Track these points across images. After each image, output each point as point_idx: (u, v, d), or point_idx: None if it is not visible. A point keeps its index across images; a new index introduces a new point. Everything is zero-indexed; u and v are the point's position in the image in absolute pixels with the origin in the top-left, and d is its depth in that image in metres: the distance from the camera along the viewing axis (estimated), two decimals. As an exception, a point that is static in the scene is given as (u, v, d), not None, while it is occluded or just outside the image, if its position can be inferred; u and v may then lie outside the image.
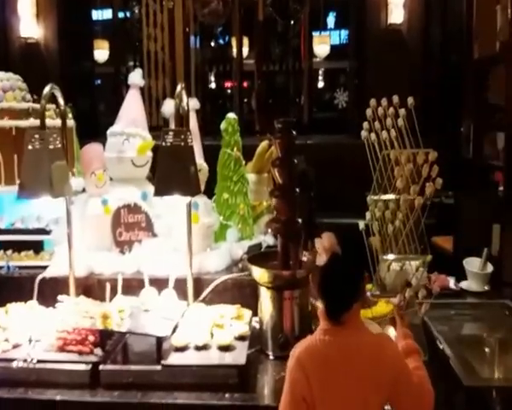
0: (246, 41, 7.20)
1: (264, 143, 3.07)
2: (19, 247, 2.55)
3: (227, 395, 1.73)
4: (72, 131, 2.97)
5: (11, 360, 1.82)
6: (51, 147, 1.93)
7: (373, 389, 1.39)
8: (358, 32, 6.34)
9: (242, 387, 1.76)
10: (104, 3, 7.49)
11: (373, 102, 1.96)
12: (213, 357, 1.82)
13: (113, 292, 2.17)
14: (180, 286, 2.20)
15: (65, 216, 2.51)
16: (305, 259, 2.08)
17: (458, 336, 2.04)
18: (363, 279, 1.52)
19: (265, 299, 1.98)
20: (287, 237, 1.96)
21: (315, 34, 7.00)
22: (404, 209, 1.86)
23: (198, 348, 1.86)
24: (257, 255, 2.13)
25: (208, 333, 1.90)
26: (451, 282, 2.58)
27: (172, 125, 2.56)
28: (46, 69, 6.50)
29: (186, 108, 2.12)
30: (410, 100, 1.93)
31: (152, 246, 2.41)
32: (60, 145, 1.98)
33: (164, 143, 1.85)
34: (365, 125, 2.02)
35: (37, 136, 1.92)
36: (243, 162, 2.79)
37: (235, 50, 6.95)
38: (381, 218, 1.95)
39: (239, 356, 1.81)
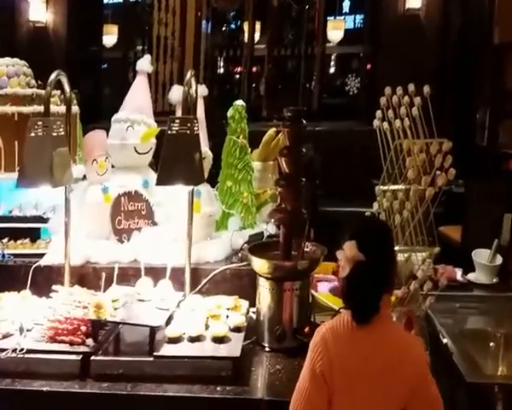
0: (258, 26, 7.11)
1: (271, 131, 2.99)
2: (16, 235, 2.52)
3: (219, 388, 1.68)
4: (76, 117, 2.92)
5: (0, 350, 1.79)
6: (54, 134, 1.88)
7: (395, 384, 1.35)
8: (374, 17, 6.20)
9: (236, 380, 1.71)
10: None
11: (388, 90, 1.89)
12: (207, 349, 1.77)
13: (110, 281, 2.13)
14: (178, 276, 2.15)
15: (63, 204, 2.49)
16: (307, 249, 2.02)
17: (463, 330, 1.97)
18: (391, 273, 1.44)
19: (264, 290, 1.92)
20: (291, 228, 1.89)
21: (329, 19, 6.89)
22: (414, 200, 1.79)
23: (192, 340, 1.81)
24: (257, 245, 2.08)
25: (203, 324, 1.85)
26: (459, 274, 2.50)
27: (179, 112, 2.52)
28: (52, 54, 6.50)
29: (194, 95, 2.05)
30: (427, 89, 1.86)
31: (150, 235, 2.36)
32: (63, 133, 1.93)
33: (170, 131, 1.79)
34: (378, 113, 1.95)
35: (40, 123, 1.87)
36: (249, 150, 2.72)
37: (246, 35, 6.85)
38: (388, 208, 1.88)
39: (233, 348, 1.76)
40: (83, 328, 1.84)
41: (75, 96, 3.00)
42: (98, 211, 2.40)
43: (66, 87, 2.27)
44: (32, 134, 1.89)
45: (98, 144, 2.43)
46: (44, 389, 1.71)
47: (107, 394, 1.68)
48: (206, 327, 1.85)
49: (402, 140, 1.79)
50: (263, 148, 3.00)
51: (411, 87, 1.83)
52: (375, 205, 1.99)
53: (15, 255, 2.45)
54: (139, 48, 7.62)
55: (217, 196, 2.63)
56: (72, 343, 1.81)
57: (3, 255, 2.44)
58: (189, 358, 1.73)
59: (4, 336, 1.86)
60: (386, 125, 1.88)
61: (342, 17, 7.60)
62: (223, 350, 1.76)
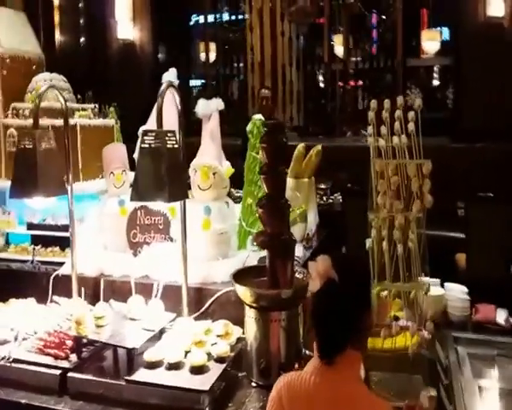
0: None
1: (300, 147, 2.82)
2: (48, 242, 2.59)
3: (185, 424, 1.55)
4: (113, 130, 2.97)
5: (-8, 356, 1.81)
6: (43, 147, 1.89)
7: None
8: (457, 27, 5.74)
9: (206, 415, 1.57)
10: (198, 8, 7.63)
11: (373, 103, 1.66)
12: (181, 378, 1.65)
13: (123, 295, 2.10)
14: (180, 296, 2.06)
15: (88, 215, 2.53)
16: (299, 276, 1.83)
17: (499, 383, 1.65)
18: (363, 317, 1.25)
19: (250, 319, 1.76)
20: (273, 252, 1.72)
21: (425, 30, 6.56)
22: (399, 229, 1.55)
23: (170, 367, 1.70)
24: (247, 270, 1.91)
25: (183, 351, 1.73)
26: (502, 315, 2.14)
27: (206, 125, 2.45)
28: (141, 68, 6.82)
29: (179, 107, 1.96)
30: (418, 101, 1.61)
31: (160, 250, 2.29)
32: (50, 146, 1.92)
33: (142, 145, 1.71)
34: (369, 129, 1.72)
35: (27, 136, 1.88)
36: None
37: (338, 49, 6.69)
38: (375, 238, 1.65)
39: (206, 380, 1.62)
40: (68, 342, 1.81)
41: (114, 110, 3.05)
42: (114, 223, 2.39)
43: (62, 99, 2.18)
44: (21, 146, 1.90)
45: (116, 157, 2.43)
46: (23, 401, 1.70)
47: (73, 414, 1.63)
48: (187, 354, 1.73)
49: (376, 160, 1.55)
50: (294, 164, 2.83)
51: (400, 100, 1.59)
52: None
53: (43, 262, 2.52)
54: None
55: (234, 214, 2.51)
56: (56, 357, 1.79)
57: (32, 261, 2.52)
58: (157, 386, 1.62)
59: (1, 343, 1.89)
60: (382, 141, 1.64)
61: (438, 29, 7.14)
62: (196, 381, 1.63)
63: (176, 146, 1.77)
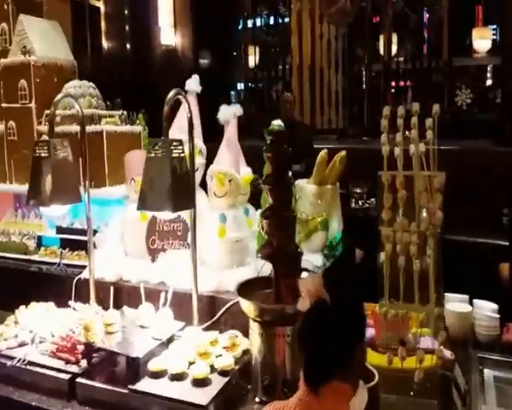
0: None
1: (322, 153, 2.75)
2: (75, 246, 2.66)
3: (181, 438, 1.54)
4: (140, 136, 3.00)
5: (10, 358, 1.88)
6: (58, 156, 1.93)
7: None
8: (502, 26, 5.46)
9: (204, 430, 1.55)
10: (239, 13, 7.64)
11: (386, 110, 1.58)
12: (182, 390, 1.64)
13: (140, 301, 2.12)
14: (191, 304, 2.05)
15: (112, 220, 2.57)
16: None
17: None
18: (355, 348, 1.17)
19: (254, 333, 1.72)
20: (278, 264, 1.67)
21: (477, 28, 6.28)
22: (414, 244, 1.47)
23: (173, 378, 1.69)
24: (257, 281, 1.87)
25: (186, 362, 1.72)
26: (533, 336, 2.00)
27: (226, 131, 2.45)
28: (182, 74, 6.91)
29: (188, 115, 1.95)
30: (436, 108, 1.51)
31: (176, 257, 2.30)
32: (65, 154, 1.96)
33: (148, 155, 1.72)
34: (383, 137, 1.64)
35: (44, 144, 1.93)
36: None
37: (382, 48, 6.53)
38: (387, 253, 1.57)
39: (205, 394, 1.60)
40: (79, 347, 1.85)
41: (142, 117, 3.10)
42: (134, 229, 2.42)
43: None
44: (36, 155, 1.94)
45: (137, 164, 2.44)
46: (33, 403, 1.75)
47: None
48: (190, 365, 1.72)
49: (383, 172, 1.47)
50: (317, 170, 2.76)
51: (415, 106, 1.51)
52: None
53: (69, 265, 2.59)
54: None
55: (251, 221, 2.49)
56: (67, 362, 1.82)
57: (59, 264, 2.60)
58: (157, 397, 1.62)
59: (19, 345, 1.95)
60: (397, 151, 1.56)
61: (490, 26, 6.81)
62: (196, 395, 1.61)
63: (182, 155, 1.76)
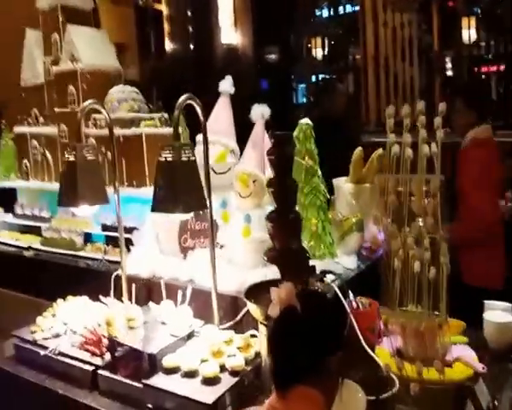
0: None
1: (358, 150, 2.68)
2: (118, 243, 2.79)
3: (188, 433, 1.58)
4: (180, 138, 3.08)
5: (44, 348, 2.02)
6: (84, 159, 2.03)
7: None
8: None
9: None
10: (301, 5, 7.59)
11: (390, 109, 1.51)
12: (191, 387, 1.68)
13: (169, 297, 2.20)
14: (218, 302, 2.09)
15: (149, 218, 2.67)
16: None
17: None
18: (325, 355, 1.16)
19: (262, 336, 1.72)
20: (283, 267, 1.66)
21: None
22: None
23: (185, 375, 1.74)
24: (268, 283, 1.86)
25: (199, 360, 1.76)
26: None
27: (253, 131, 2.46)
28: (244, 71, 7.00)
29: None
30: (443, 106, 1.44)
31: (203, 255, 2.34)
32: (92, 158, 2.06)
33: (159, 159, 1.77)
34: (391, 138, 1.57)
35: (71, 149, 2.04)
36: (319, 172, 2.48)
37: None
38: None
39: (213, 393, 1.63)
40: (105, 341, 1.95)
41: (183, 118, 3.17)
42: (168, 228, 2.49)
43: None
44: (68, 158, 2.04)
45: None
46: (60, 391, 1.87)
47: (95, 408, 1.75)
48: (202, 363, 1.76)
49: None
50: (353, 168, 2.70)
51: (420, 105, 1.43)
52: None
53: (112, 262, 2.73)
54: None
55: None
56: (93, 354, 1.93)
57: (102, 260, 2.74)
58: (166, 392, 1.67)
59: (54, 336, 2.09)
60: (409, 152, 1.49)
61: None
62: (203, 393, 1.64)
63: (192, 158, 1.80)
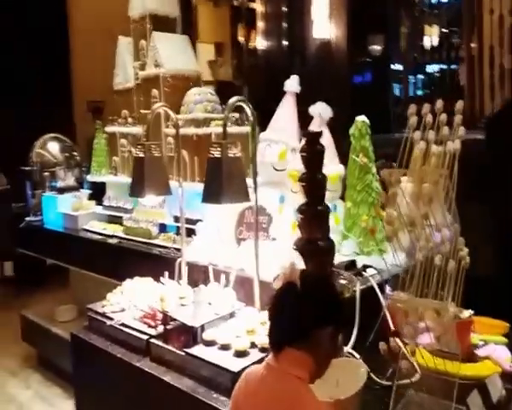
0: None
1: (418, 147, 2.82)
2: (187, 233, 3.22)
3: (214, 395, 1.92)
4: (247, 136, 3.44)
5: (111, 319, 2.49)
6: (151, 156, 2.46)
7: None
8: None
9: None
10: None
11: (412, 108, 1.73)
12: (223, 357, 2.02)
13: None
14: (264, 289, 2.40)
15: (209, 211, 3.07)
16: (343, 282, 1.99)
17: None
18: (313, 325, 1.42)
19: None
20: (308, 257, 1.93)
21: None
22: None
23: (221, 347, 2.09)
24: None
25: (234, 336, 2.09)
26: None
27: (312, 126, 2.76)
28: (335, 66, 7.21)
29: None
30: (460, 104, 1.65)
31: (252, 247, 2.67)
32: (158, 155, 2.48)
33: (209, 155, 2.13)
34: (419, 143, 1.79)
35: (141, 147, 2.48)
36: (373, 170, 2.68)
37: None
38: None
39: (239, 363, 1.95)
40: (159, 315, 2.36)
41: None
42: (227, 221, 2.86)
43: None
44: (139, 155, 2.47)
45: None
46: (119, 355, 2.32)
47: (147, 371, 2.17)
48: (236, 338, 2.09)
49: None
50: (412, 167, 2.84)
51: (439, 103, 1.63)
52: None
53: (178, 249, 3.16)
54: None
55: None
56: (149, 326, 2.36)
57: (171, 248, 3.19)
58: (202, 361, 2.03)
59: (120, 310, 2.56)
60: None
61: None
62: (234, 363, 1.97)
63: (237, 155, 2.13)
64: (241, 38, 7.70)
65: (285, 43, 7.42)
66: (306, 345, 1.40)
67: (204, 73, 7.85)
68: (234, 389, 1.54)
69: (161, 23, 3.78)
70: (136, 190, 2.50)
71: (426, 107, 1.76)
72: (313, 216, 1.93)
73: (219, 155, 2.12)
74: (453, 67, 7.87)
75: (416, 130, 1.82)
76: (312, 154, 1.93)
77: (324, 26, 7.14)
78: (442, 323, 1.78)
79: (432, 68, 7.98)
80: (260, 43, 7.42)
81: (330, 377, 1.60)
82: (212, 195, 2.12)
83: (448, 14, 7.54)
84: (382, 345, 1.71)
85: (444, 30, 7.97)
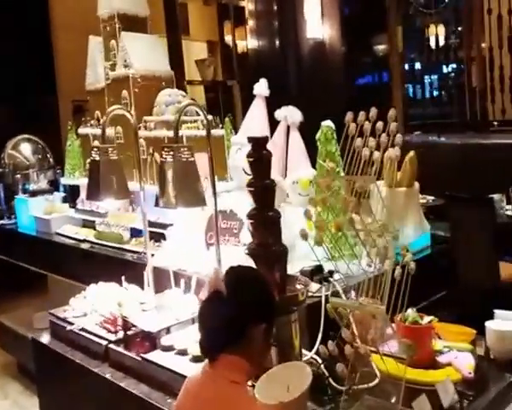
0: None
1: (391, 152, 2.90)
2: (158, 237, 3.30)
3: (168, 400, 1.99)
4: (222, 140, 3.53)
5: (72, 324, 2.56)
6: (106, 159, 2.52)
7: None
8: None
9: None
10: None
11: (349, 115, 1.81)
12: (179, 363, 2.09)
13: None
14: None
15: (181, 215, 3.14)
16: (299, 286, 2.06)
17: None
18: (248, 327, 1.51)
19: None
20: (260, 262, 2.00)
21: None
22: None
23: (178, 352, 2.16)
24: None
25: (192, 341, 2.16)
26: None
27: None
28: (330, 67, 7.32)
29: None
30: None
31: (224, 252, 2.73)
32: (114, 157, 2.55)
33: (161, 159, 2.21)
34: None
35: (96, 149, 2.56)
36: (340, 174, 2.76)
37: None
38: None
39: (195, 369, 2.01)
40: (119, 321, 2.43)
41: (229, 121, 3.62)
42: (196, 225, 2.94)
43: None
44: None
45: (201, 166, 2.96)
46: (77, 361, 2.39)
47: (102, 376, 2.24)
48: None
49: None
50: (388, 172, 2.92)
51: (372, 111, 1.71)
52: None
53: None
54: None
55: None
56: (109, 331, 2.43)
57: (142, 253, 3.27)
58: (158, 366, 2.10)
59: (82, 315, 2.63)
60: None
61: None
62: (189, 368, 2.03)
63: (191, 159, 2.21)
64: (230, 37, 7.81)
65: (277, 42, 7.53)
66: (240, 346, 1.49)
67: (191, 72, 8.02)
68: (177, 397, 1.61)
69: (131, 22, 3.85)
70: (92, 194, 2.58)
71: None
72: (263, 221, 2.01)
73: (171, 160, 2.19)
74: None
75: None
76: (259, 159, 2.01)
77: (317, 25, 7.25)
78: (379, 326, 1.85)
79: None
80: (251, 42, 7.52)
81: (281, 383, 1.67)
82: (165, 199, 2.20)
83: (448, 15, 7.67)
84: (330, 345, 1.78)
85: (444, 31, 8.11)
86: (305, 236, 1.79)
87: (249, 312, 1.50)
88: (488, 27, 6.52)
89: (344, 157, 1.84)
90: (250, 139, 2.01)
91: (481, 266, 3.88)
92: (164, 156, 2.19)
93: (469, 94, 7.15)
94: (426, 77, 9.04)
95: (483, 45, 6.92)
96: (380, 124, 1.76)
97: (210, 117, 3.56)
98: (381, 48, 8.24)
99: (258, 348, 1.52)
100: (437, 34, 7.96)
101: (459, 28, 8.18)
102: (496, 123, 6.54)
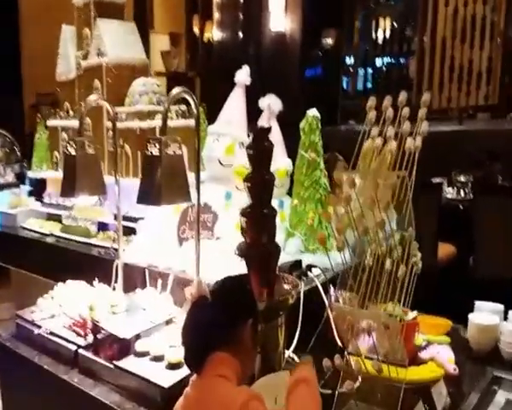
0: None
1: (368, 142, 2.72)
2: (128, 232, 3.03)
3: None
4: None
5: (39, 327, 2.28)
6: (82, 153, 2.24)
7: None
8: None
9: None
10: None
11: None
12: (154, 370, 1.85)
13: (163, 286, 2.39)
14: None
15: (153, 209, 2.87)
16: (287, 287, 1.85)
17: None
18: (234, 328, 1.35)
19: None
20: (250, 262, 1.77)
21: None
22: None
23: (153, 358, 1.92)
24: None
25: (168, 346, 1.93)
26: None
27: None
28: (288, 59, 7.12)
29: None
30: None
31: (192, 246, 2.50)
32: (90, 151, 2.26)
33: (146, 152, 1.93)
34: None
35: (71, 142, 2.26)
36: (321, 166, 2.55)
37: None
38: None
39: (171, 377, 1.79)
40: (89, 324, 2.17)
41: (203, 111, 3.35)
42: (168, 218, 2.68)
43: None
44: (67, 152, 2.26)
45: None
46: (45, 367, 2.12)
47: (71, 384, 1.98)
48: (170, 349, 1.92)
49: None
50: (362, 162, 2.74)
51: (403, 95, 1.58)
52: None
53: (117, 250, 2.96)
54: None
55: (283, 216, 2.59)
56: (78, 335, 2.16)
57: (110, 248, 2.99)
58: (131, 374, 1.85)
59: (50, 317, 2.35)
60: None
61: None
62: (164, 377, 1.81)
63: (178, 153, 1.95)
64: (196, 29, 7.48)
65: (240, 34, 7.25)
66: (231, 345, 1.32)
67: (157, 63, 7.67)
68: None
69: (108, 9, 3.54)
70: (66, 190, 2.29)
71: (388, 99, 1.64)
72: (258, 220, 1.76)
73: (157, 153, 1.93)
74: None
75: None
76: (260, 152, 1.75)
77: (280, 18, 7.01)
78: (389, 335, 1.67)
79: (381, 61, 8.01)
80: (216, 34, 7.22)
81: (268, 394, 1.48)
82: (149, 196, 1.94)
83: (401, 8, 7.56)
84: (326, 362, 1.59)
85: (396, 23, 8.00)
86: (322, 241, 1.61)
87: (237, 309, 1.36)
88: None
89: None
90: (253, 129, 1.75)
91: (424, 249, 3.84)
92: (149, 149, 1.91)
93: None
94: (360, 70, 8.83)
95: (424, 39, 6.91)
96: (406, 111, 1.57)
97: (184, 107, 3.32)
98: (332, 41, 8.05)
99: (248, 345, 1.36)
100: (384, 27, 7.88)
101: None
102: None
